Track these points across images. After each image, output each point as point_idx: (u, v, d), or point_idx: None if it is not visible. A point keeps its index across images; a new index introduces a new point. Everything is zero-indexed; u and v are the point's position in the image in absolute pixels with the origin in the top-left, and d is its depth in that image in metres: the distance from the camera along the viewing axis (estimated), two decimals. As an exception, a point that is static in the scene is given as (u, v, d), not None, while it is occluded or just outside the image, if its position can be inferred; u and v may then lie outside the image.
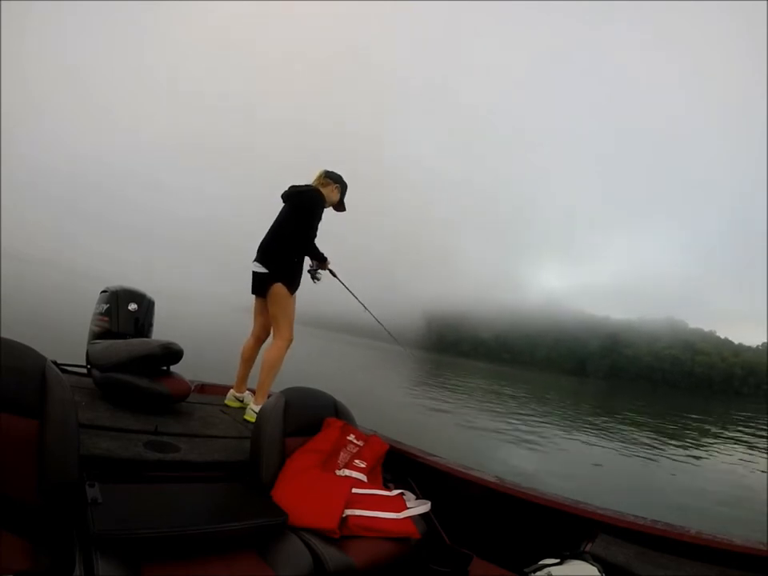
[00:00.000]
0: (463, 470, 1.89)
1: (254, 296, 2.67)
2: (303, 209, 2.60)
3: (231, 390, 2.65)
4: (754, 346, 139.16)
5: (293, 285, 2.57)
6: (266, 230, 2.68)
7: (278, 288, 2.51)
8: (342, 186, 2.77)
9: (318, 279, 2.76)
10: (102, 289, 2.59)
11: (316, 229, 2.62)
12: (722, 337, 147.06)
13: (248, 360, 2.69)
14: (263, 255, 2.58)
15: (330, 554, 1.33)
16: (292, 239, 2.56)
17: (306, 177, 2.78)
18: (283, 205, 2.70)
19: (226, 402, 2.61)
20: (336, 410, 1.96)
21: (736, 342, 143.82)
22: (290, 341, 2.56)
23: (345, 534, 1.44)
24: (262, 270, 2.55)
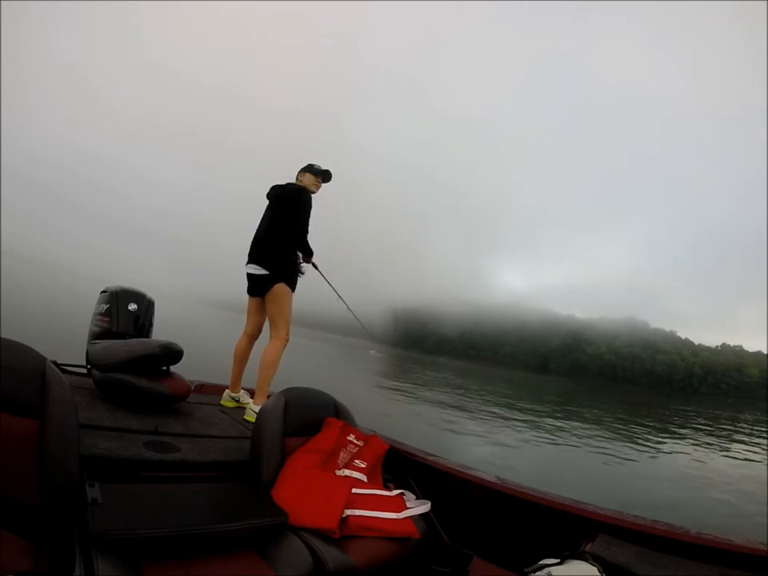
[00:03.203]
0: (463, 470, 1.90)
1: (248, 296, 2.67)
2: (294, 208, 2.61)
3: (227, 391, 2.66)
4: (713, 347, 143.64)
5: (293, 283, 2.61)
6: (246, 230, 2.68)
7: (280, 288, 2.53)
8: (319, 174, 2.74)
9: (303, 273, 2.77)
10: (102, 289, 2.59)
11: (308, 225, 2.65)
12: (683, 337, 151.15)
13: (242, 359, 2.69)
14: (260, 257, 2.58)
15: (331, 554, 1.33)
16: (287, 239, 2.59)
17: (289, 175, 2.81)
18: (269, 205, 2.71)
19: (221, 402, 2.61)
20: (336, 410, 1.96)
21: (696, 342, 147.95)
22: (287, 340, 2.58)
23: (345, 534, 1.44)
24: (262, 271, 2.55)
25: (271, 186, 2.74)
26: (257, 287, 2.61)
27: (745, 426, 24.47)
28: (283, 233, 2.59)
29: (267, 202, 2.75)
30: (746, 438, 17.51)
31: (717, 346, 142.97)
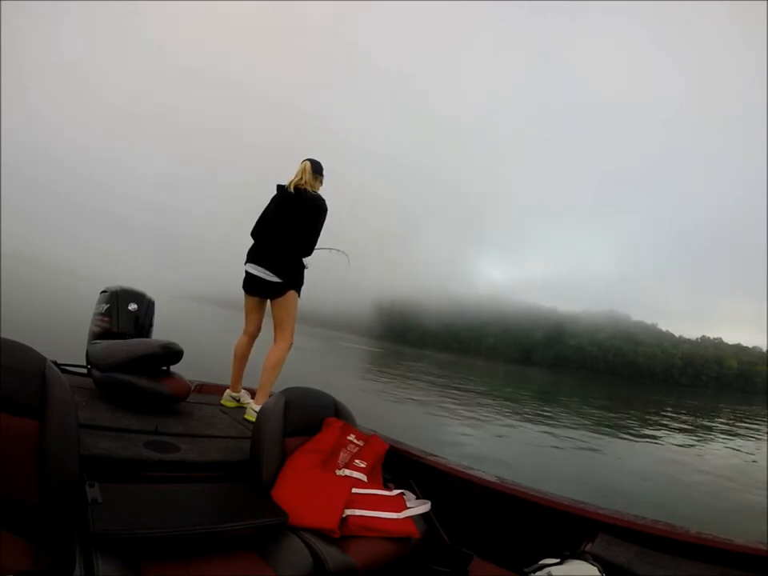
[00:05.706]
0: (463, 470, 1.90)
1: (245, 293, 2.62)
2: (318, 219, 2.57)
3: (227, 390, 2.65)
4: (693, 339, 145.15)
5: (301, 288, 2.61)
6: (246, 226, 2.63)
7: (292, 294, 2.53)
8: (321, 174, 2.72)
9: (307, 267, 2.66)
10: (102, 289, 2.59)
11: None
12: (664, 330, 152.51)
13: (242, 358, 2.67)
14: (273, 263, 2.49)
15: (331, 554, 1.33)
16: (304, 248, 2.56)
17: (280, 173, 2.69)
18: (282, 207, 2.57)
19: (221, 401, 2.60)
20: (336, 410, 1.96)
21: (677, 334, 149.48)
22: (291, 343, 2.57)
23: (345, 534, 1.44)
24: (274, 278, 2.48)
25: (283, 186, 2.61)
26: (261, 289, 2.55)
27: (724, 416, 24.76)
28: (302, 242, 2.54)
29: (273, 201, 2.64)
30: (725, 429, 17.74)
31: (697, 339, 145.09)
